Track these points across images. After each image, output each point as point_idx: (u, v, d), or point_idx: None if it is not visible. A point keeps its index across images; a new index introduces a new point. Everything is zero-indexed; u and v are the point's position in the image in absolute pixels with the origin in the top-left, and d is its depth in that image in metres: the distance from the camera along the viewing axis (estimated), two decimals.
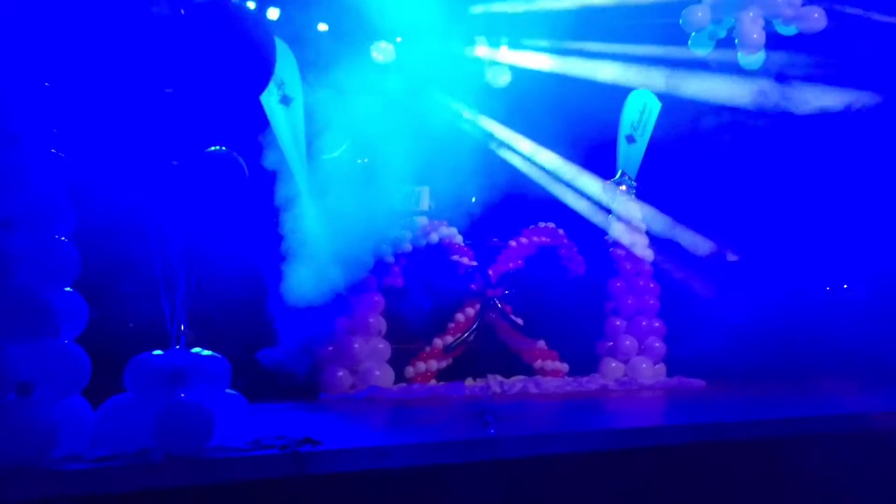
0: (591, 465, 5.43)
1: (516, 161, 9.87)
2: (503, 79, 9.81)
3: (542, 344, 9.32)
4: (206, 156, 5.02)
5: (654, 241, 9.87)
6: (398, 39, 9.23)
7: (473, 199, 9.06)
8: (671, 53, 9.28)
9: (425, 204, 9.04)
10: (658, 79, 9.60)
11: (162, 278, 4.92)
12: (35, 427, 4.43)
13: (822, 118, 9.46)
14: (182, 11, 4.75)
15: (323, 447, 4.92)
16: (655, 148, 9.88)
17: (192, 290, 4.96)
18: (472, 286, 9.04)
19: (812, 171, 9.98)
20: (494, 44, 9.78)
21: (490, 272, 9.19)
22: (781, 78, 9.10)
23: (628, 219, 9.79)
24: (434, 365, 8.74)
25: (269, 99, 8.04)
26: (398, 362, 8.53)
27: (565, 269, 9.63)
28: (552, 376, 9.11)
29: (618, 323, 9.79)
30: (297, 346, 7.56)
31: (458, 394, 8.15)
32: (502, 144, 9.88)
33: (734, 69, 8.55)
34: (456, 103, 9.42)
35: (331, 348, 8.14)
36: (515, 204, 9.51)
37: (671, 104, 9.75)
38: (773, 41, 8.05)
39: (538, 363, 9.23)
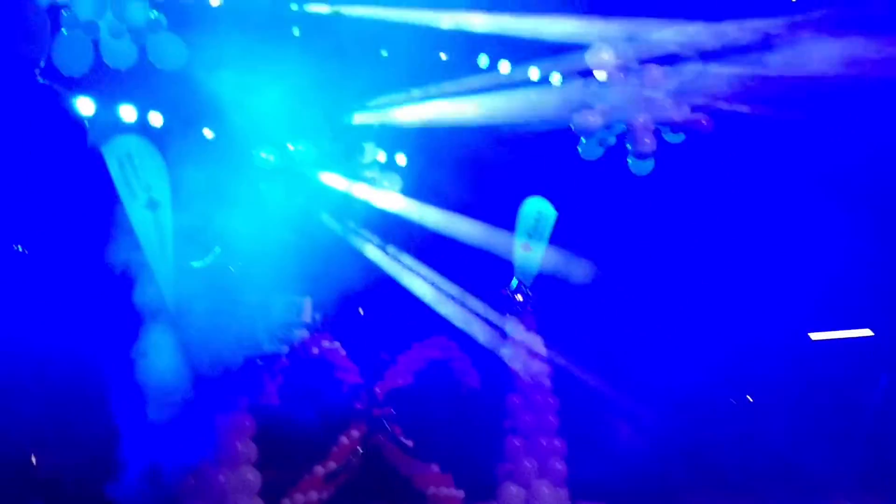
0: None
1: (403, 276, 9.53)
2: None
3: (434, 468, 8.98)
4: None
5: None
6: (290, 146, 8.95)
7: (360, 311, 8.89)
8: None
9: (307, 315, 8.68)
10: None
11: None
12: None
13: None
14: None
15: None
16: None
17: None
18: (357, 405, 8.74)
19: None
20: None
21: (377, 389, 8.88)
22: None
23: (525, 343, 9.49)
24: (314, 496, 8.27)
25: (134, 202, 7.65)
26: (272, 494, 7.96)
27: (458, 383, 9.35)
28: None
29: (517, 443, 9.31)
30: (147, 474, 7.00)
31: None
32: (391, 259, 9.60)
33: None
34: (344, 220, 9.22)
35: (191, 480, 7.47)
36: (405, 316, 9.19)
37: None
38: None
39: (431, 489, 8.93)
